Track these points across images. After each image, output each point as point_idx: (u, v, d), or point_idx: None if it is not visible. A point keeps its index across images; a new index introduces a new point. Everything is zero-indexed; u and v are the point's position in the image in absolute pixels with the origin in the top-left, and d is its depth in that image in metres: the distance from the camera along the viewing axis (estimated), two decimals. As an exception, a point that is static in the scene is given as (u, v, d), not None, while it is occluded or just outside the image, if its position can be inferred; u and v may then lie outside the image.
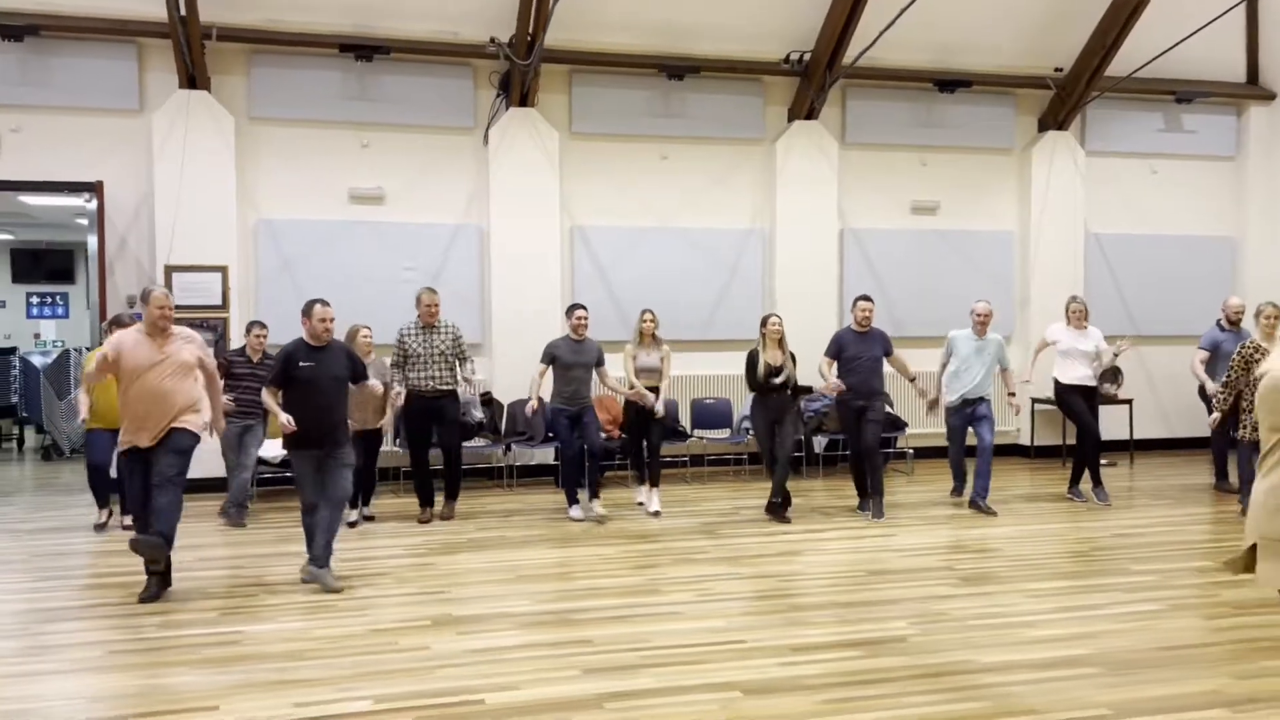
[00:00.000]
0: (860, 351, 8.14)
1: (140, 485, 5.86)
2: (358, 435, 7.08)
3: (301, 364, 6.11)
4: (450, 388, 7.91)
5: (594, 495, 8.04)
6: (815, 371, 8.33)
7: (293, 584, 5.96)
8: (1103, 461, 10.41)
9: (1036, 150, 11.20)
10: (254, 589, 5.90)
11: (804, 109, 10.47)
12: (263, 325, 8.11)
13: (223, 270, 9.25)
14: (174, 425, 5.74)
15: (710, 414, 10.03)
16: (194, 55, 8.84)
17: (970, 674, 4.42)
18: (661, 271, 10.24)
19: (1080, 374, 8.60)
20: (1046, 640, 4.90)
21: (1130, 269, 11.55)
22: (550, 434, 9.05)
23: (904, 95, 10.90)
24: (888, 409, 9.35)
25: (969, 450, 8.58)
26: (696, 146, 10.42)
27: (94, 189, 9.10)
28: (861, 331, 8.22)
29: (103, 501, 7.76)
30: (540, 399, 7.98)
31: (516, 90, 9.71)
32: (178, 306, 8.66)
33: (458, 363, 7.96)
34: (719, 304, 10.45)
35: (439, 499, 8.06)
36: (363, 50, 9.39)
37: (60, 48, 8.95)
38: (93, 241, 9.08)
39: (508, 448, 9.47)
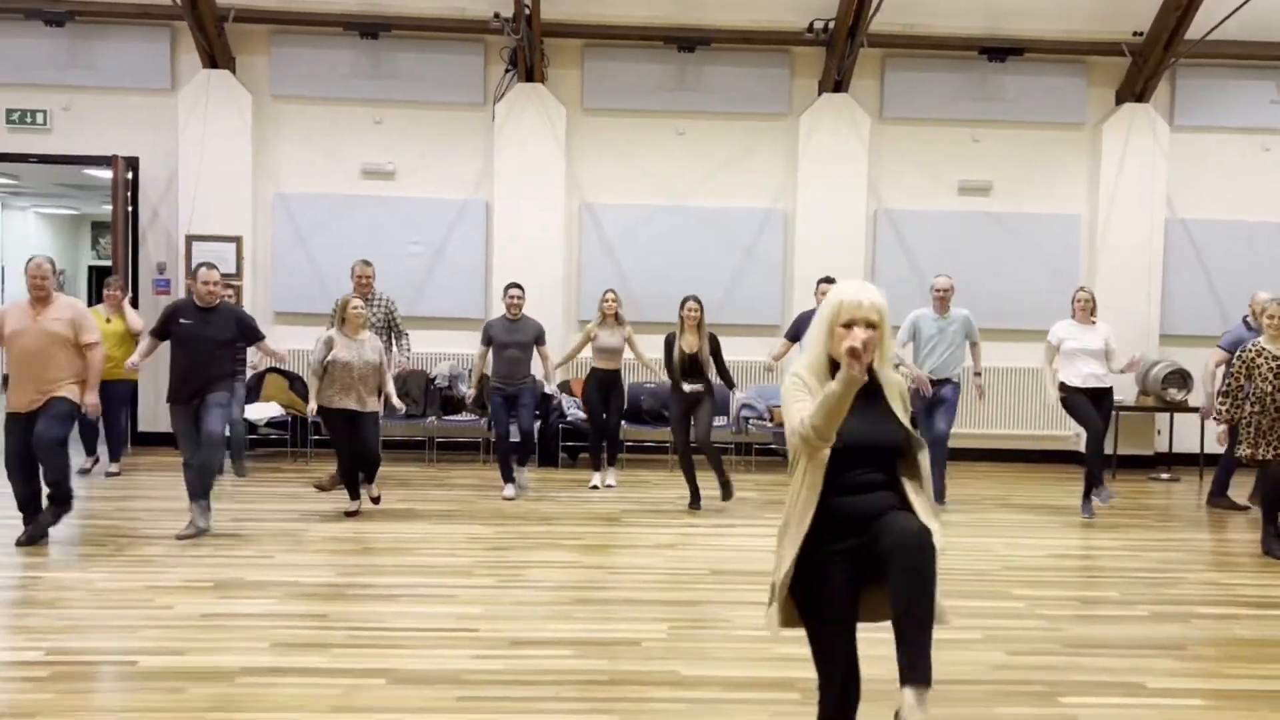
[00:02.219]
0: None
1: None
2: (352, 416, 6.88)
3: (182, 320, 6.34)
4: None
5: (521, 464, 8.00)
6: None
7: (157, 538, 6.18)
8: (1164, 475, 9.33)
9: (1109, 125, 10.00)
10: (118, 539, 6.18)
11: (831, 81, 9.82)
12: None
13: (237, 240, 9.74)
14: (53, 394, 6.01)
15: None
16: (208, 36, 9.33)
17: (655, 686, 4.03)
18: (673, 251, 9.91)
19: (1085, 372, 7.62)
20: (793, 660, 4.37)
21: (1222, 260, 10.12)
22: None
23: (953, 65, 10.01)
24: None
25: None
26: (715, 122, 10.00)
27: (132, 163, 9.78)
28: None
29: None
30: (481, 383, 7.98)
31: (522, 66, 9.66)
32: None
33: (393, 339, 8.02)
34: (733, 286, 9.99)
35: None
36: (373, 28, 9.60)
37: (102, 32, 9.68)
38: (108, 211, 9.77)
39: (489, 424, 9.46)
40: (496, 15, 9.47)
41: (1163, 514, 7.86)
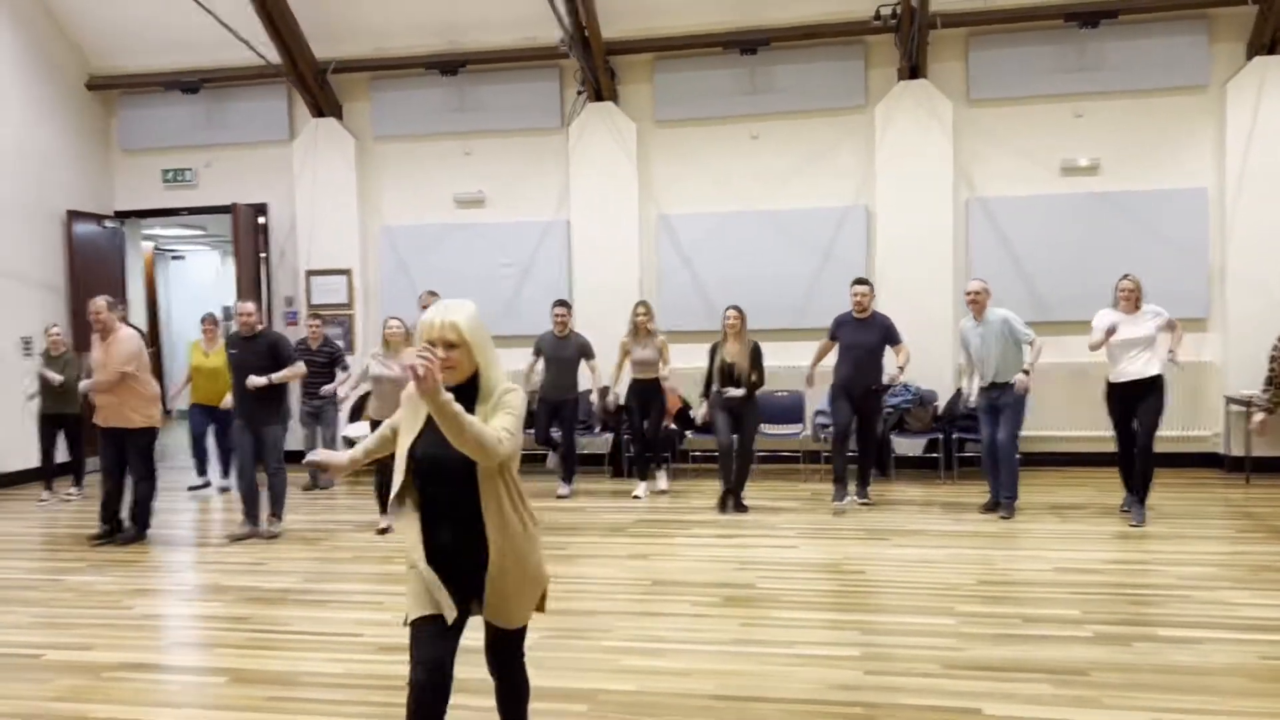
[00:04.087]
0: (856, 340, 7.40)
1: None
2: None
3: (231, 351, 7.12)
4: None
5: (566, 480, 8.42)
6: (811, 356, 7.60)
7: (182, 545, 6.90)
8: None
9: (1234, 84, 8.86)
10: (156, 545, 6.94)
11: (906, 67, 9.34)
12: (316, 317, 9.24)
13: (347, 273, 10.58)
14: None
15: (778, 408, 9.35)
16: (309, 89, 10.23)
17: (456, 693, 4.08)
18: (751, 257, 9.77)
19: (1124, 369, 6.86)
20: (631, 672, 4.29)
21: (1394, 228, 8.67)
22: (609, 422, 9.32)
23: (1045, 37, 9.23)
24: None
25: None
26: (789, 122, 9.76)
27: (261, 209, 10.88)
28: (861, 318, 7.43)
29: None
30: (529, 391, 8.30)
31: (590, 86, 9.88)
32: (317, 304, 10.33)
33: None
34: (813, 289, 9.69)
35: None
36: (453, 65, 10.15)
37: (230, 94, 10.83)
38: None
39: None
40: (561, 40, 9.74)
41: (1251, 523, 6.85)
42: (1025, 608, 5.01)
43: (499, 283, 10.28)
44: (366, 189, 10.63)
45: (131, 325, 9.59)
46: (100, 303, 6.91)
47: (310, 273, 10.65)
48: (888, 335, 7.44)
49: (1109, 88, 9.16)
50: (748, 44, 9.57)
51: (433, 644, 2.80)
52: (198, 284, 17.08)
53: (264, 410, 7.12)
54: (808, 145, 9.73)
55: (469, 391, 2.79)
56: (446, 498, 2.79)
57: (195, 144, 10.99)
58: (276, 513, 7.22)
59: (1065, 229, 9.24)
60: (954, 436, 8.82)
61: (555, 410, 8.20)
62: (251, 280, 10.78)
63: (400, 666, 4.23)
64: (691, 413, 8.60)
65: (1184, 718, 3.64)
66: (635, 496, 8.14)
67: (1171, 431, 9.04)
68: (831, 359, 7.76)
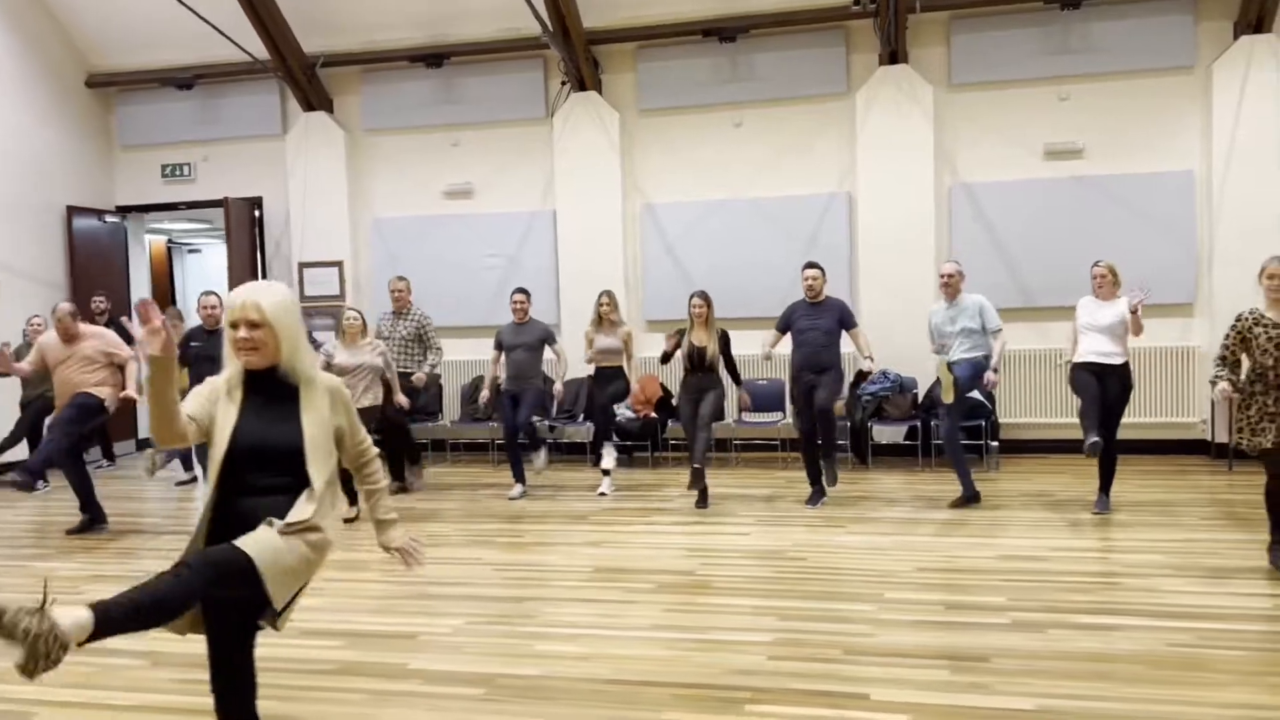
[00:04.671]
0: (810, 324, 7.33)
1: None
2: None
3: (193, 344, 7.26)
4: (412, 371, 8.44)
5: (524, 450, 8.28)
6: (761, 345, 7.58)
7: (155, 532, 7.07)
8: None
9: (1220, 64, 8.69)
10: (127, 534, 7.12)
11: (886, 53, 9.28)
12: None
13: (339, 265, 10.73)
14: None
15: (759, 396, 9.32)
16: (298, 83, 10.38)
17: (369, 677, 4.17)
18: (735, 245, 9.76)
19: (1090, 349, 6.77)
20: (536, 656, 4.35)
21: (1381, 208, 8.47)
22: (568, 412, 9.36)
23: (1028, 20, 9.11)
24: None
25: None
26: (772, 109, 9.73)
27: (256, 202, 11.06)
28: (814, 302, 7.38)
29: None
30: (494, 385, 8.32)
31: (573, 76, 9.92)
32: (309, 297, 10.49)
33: (425, 351, 8.49)
34: (796, 278, 9.49)
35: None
36: (438, 57, 10.23)
37: (224, 90, 11.00)
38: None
39: (551, 426, 9.76)
40: (544, 31, 9.78)
41: (1217, 511, 6.74)
42: (953, 595, 5.00)
43: (485, 274, 10.36)
44: (357, 182, 10.76)
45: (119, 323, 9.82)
46: (65, 313, 7.09)
47: (303, 265, 10.82)
48: (842, 318, 7.34)
49: (1093, 70, 9.03)
50: (728, 31, 9.55)
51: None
52: (216, 277, 17.35)
53: None
54: (790, 133, 9.70)
55: (277, 378, 2.82)
56: (270, 486, 2.77)
57: (192, 139, 11.18)
58: None
59: (1049, 214, 9.13)
60: (933, 424, 8.75)
61: (516, 401, 8.16)
62: (247, 273, 10.96)
63: (316, 650, 4.35)
64: (675, 400, 8.62)
65: (1066, 703, 3.62)
66: (600, 494, 8.09)
67: (1158, 418, 8.98)
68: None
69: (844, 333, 7.48)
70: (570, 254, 10.13)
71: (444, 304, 10.24)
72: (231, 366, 2.88)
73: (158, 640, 4.50)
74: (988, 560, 5.65)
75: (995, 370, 7.10)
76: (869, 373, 8.62)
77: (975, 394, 7.88)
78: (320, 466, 2.80)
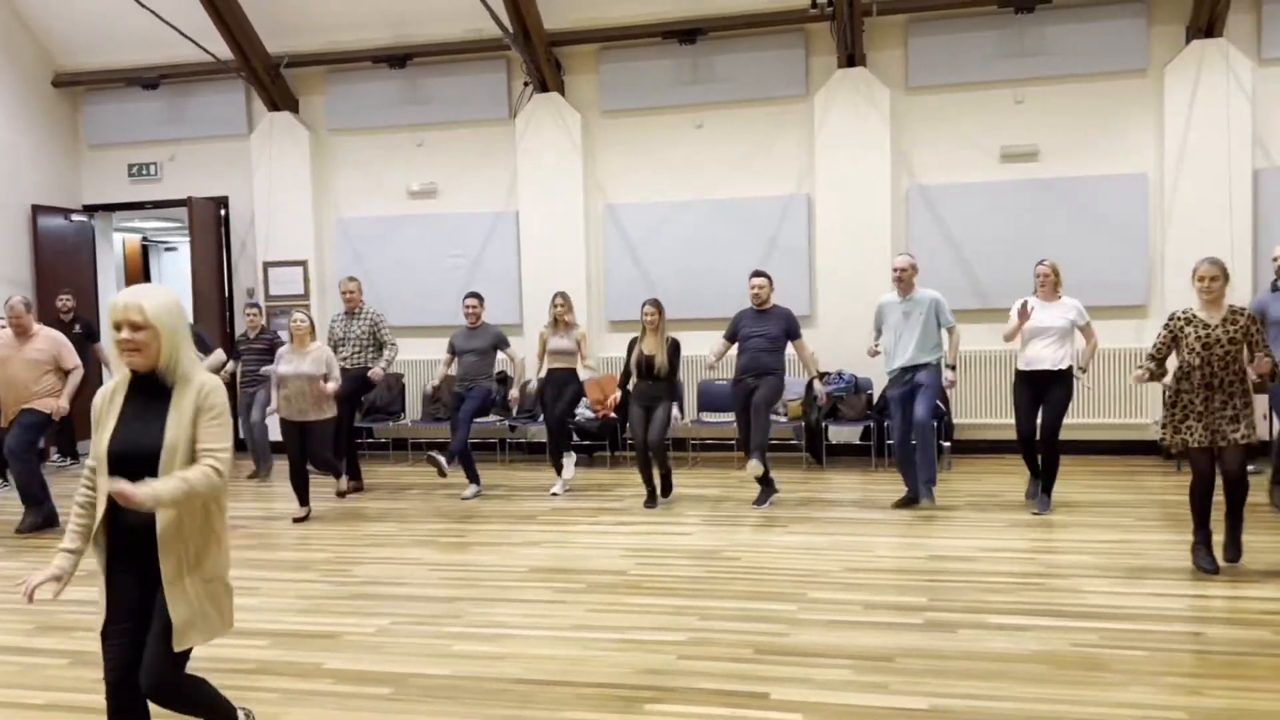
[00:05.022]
0: (755, 331, 7.37)
1: None
2: (300, 425, 7.38)
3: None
4: (367, 368, 8.46)
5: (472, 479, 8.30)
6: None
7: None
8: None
9: (1172, 68, 8.76)
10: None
11: (844, 55, 9.33)
12: (254, 306, 9.44)
13: (303, 264, 10.77)
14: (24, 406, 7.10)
15: (719, 396, 9.38)
16: (263, 83, 10.41)
17: (282, 676, 4.22)
18: (696, 246, 9.82)
19: (1034, 355, 6.85)
20: (452, 656, 4.41)
21: (1331, 212, 8.54)
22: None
23: (985, 23, 9.18)
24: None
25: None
26: (733, 111, 9.79)
27: (222, 201, 11.09)
28: (761, 310, 7.41)
29: None
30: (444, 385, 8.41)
31: (535, 77, 9.96)
32: (274, 296, 10.54)
33: (379, 350, 8.51)
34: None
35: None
36: (402, 58, 10.27)
37: (189, 89, 11.03)
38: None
39: (512, 426, 9.82)
40: (506, 32, 9.83)
41: (1155, 512, 6.81)
42: (875, 595, 5.05)
43: (448, 274, 10.40)
44: (322, 181, 10.80)
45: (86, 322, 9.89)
46: (18, 304, 7.12)
47: (268, 264, 10.86)
48: (788, 328, 7.32)
49: (1048, 73, 9.10)
50: (687, 33, 9.60)
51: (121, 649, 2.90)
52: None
53: None
54: (750, 134, 9.76)
55: (157, 380, 2.87)
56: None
57: (159, 139, 11.22)
58: None
59: (1005, 216, 9.21)
60: (887, 424, 8.80)
61: (462, 398, 8.22)
62: (213, 271, 11.00)
63: (238, 650, 4.39)
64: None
65: (960, 702, 3.68)
66: (553, 494, 8.14)
67: (1110, 419, 9.06)
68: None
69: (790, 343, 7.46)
70: (533, 254, 10.18)
71: (407, 304, 10.32)
72: (119, 371, 2.92)
73: (80, 639, 4.58)
74: (917, 561, 5.71)
75: (953, 368, 7.16)
76: (822, 375, 8.74)
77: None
78: (170, 469, 2.81)
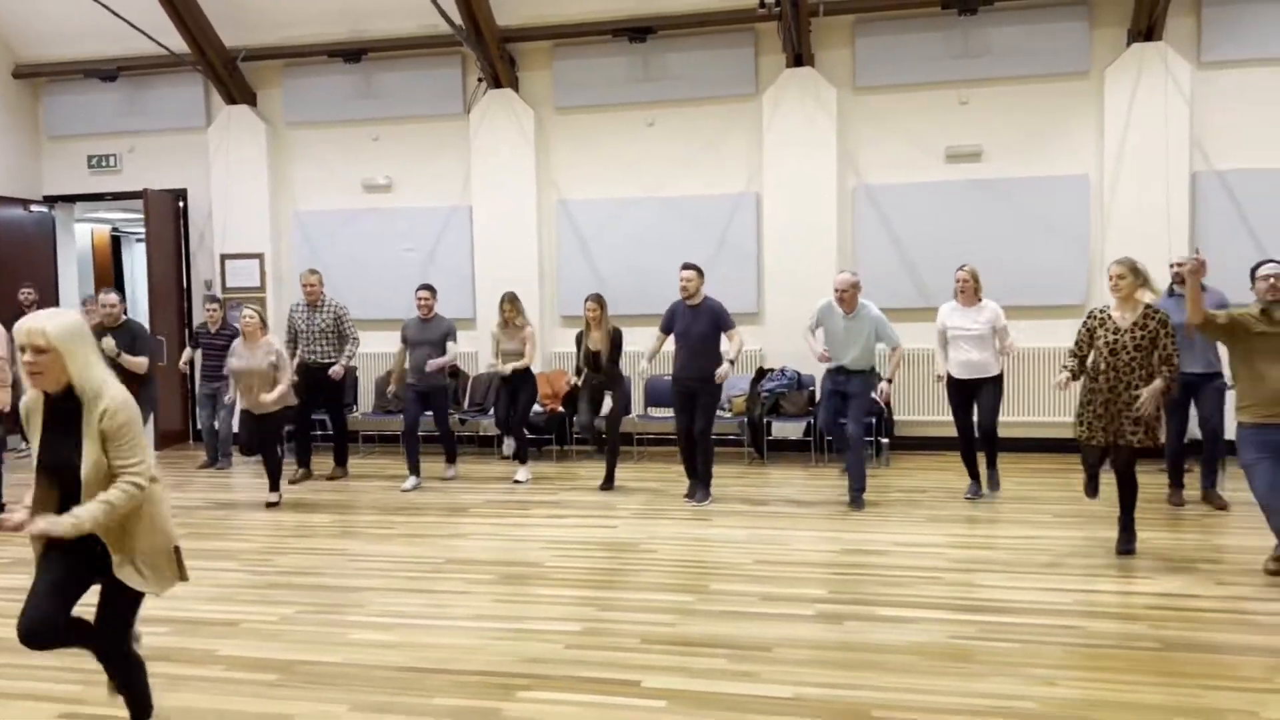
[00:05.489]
0: (687, 328, 7.41)
1: None
2: (255, 417, 7.55)
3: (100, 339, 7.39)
4: (331, 361, 8.58)
5: (450, 460, 8.70)
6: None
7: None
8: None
9: (1112, 71, 8.86)
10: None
11: (791, 55, 9.42)
12: (214, 300, 9.53)
13: (259, 257, 10.84)
14: None
15: (666, 392, 9.46)
16: (220, 76, 10.48)
17: (172, 662, 4.32)
18: (648, 243, 9.89)
19: (960, 360, 7.00)
20: (345, 645, 4.50)
21: (1273, 216, 8.61)
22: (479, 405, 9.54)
23: (931, 24, 9.25)
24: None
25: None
26: (684, 109, 9.87)
27: (181, 194, 11.16)
28: (692, 305, 7.46)
29: None
30: (401, 379, 8.49)
31: (488, 73, 10.04)
32: (231, 289, 10.62)
33: (342, 343, 8.61)
34: (707, 276, 9.74)
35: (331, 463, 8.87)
36: (357, 52, 10.34)
37: (148, 81, 11.09)
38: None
39: (463, 420, 9.91)
40: (454, 27, 9.89)
41: (1076, 509, 6.91)
42: (775, 587, 5.15)
43: (402, 268, 10.48)
44: (279, 174, 10.87)
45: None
46: None
47: (225, 256, 10.93)
48: (719, 321, 7.35)
49: (992, 74, 9.19)
50: (639, 31, 9.67)
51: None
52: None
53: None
54: (701, 132, 9.84)
55: (71, 398, 3.02)
56: (72, 495, 3.07)
57: (119, 130, 11.27)
58: None
59: (949, 216, 9.30)
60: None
61: (425, 396, 8.30)
62: (171, 263, 11.07)
63: (148, 638, 4.47)
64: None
65: (822, 691, 3.79)
66: (516, 480, 8.26)
67: (1048, 417, 9.17)
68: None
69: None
70: (486, 249, 10.26)
71: (362, 297, 10.38)
72: (32, 389, 3.08)
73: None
74: (829, 555, 5.81)
75: (889, 382, 7.25)
76: (766, 372, 8.87)
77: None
78: (94, 486, 2.99)
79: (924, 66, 9.30)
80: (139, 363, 7.60)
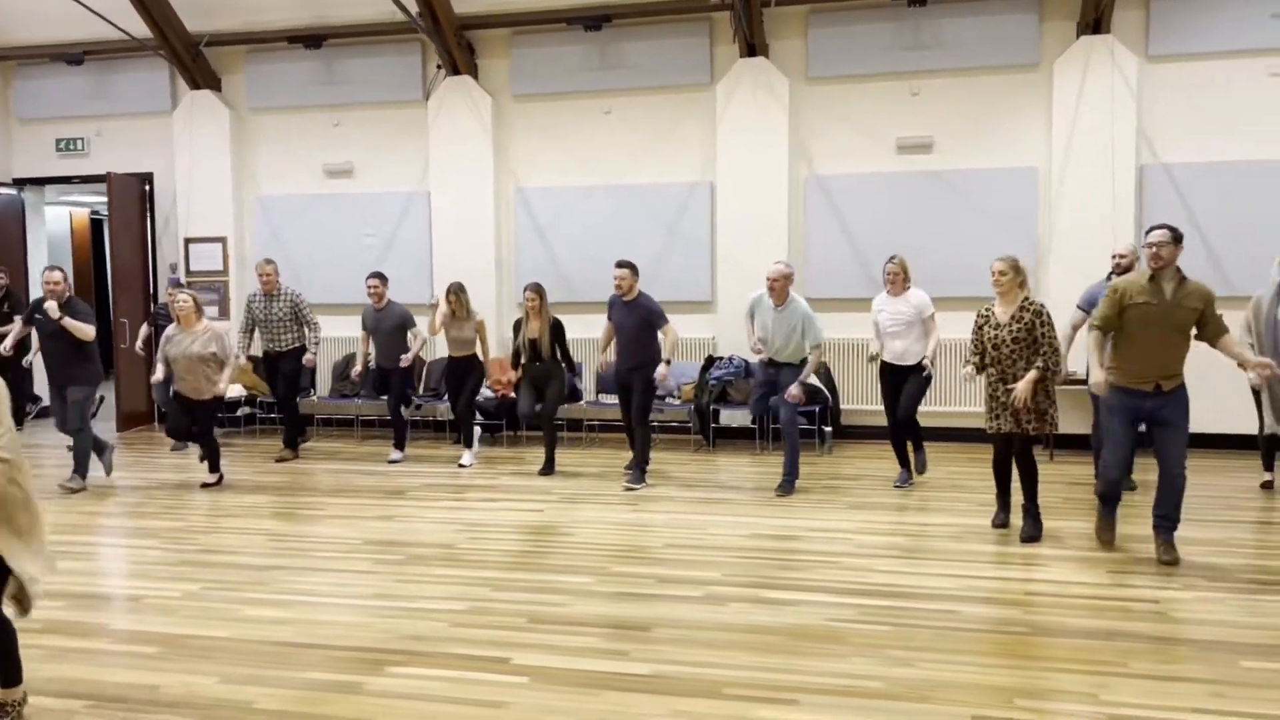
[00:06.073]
0: (621, 323, 7.60)
1: None
2: (185, 402, 7.64)
3: (36, 317, 7.50)
4: (289, 348, 8.73)
5: (398, 446, 8.80)
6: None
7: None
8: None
9: (1061, 63, 8.89)
10: None
11: (745, 45, 9.46)
12: (177, 284, 9.63)
13: (222, 240, 10.94)
14: None
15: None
16: (183, 62, 10.57)
17: (95, 638, 4.42)
18: (604, 231, 9.96)
19: (889, 349, 7.11)
20: (237, 620, 4.60)
21: (1219, 210, 8.66)
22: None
23: (883, 15, 9.29)
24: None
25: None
26: (640, 98, 9.92)
27: (146, 178, 11.26)
28: (627, 300, 7.58)
29: None
30: (366, 363, 8.66)
31: (446, 60, 10.10)
32: (194, 272, 10.72)
33: (304, 328, 8.78)
34: (662, 264, 9.83)
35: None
36: (318, 38, 10.41)
37: (114, 66, 11.18)
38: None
39: (417, 406, 9.99)
40: (417, 15, 9.95)
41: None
42: (673, 569, 5.24)
43: (362, 254, 10.56)
44: (242, 159, 10.96)
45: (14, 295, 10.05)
46: None
47: (189, 240, 11.03)
48: (650, 319, 7.44)
49: (943, 65, 9.22)
50: (596, 20, 9.72)
51: None
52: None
53: (69, 373, 7.47)
54: (656, 121, 9.89)
55: None
56: None
57: (86, 114, 11.37)
58: (79, 471, 7.59)
59: (900, 207, 9.34)
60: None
61: (385, 377, 8.57)
62: (136, 246, 11.17)
63: (42, 611, 4.58)
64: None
65: (681, 669, 3.87)
66: (461, 464, 8.37)
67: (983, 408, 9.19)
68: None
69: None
70: (444, 235, 10.34)
71: (323, 281, 10.49)
72: None
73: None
74: (739, 539, 5.89)
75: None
76: (714, 360, 8.93)
77: (814, 380, 8.17)
78: None
79: (876, 57, 9.34)
80: (86, 330, 7.57)
